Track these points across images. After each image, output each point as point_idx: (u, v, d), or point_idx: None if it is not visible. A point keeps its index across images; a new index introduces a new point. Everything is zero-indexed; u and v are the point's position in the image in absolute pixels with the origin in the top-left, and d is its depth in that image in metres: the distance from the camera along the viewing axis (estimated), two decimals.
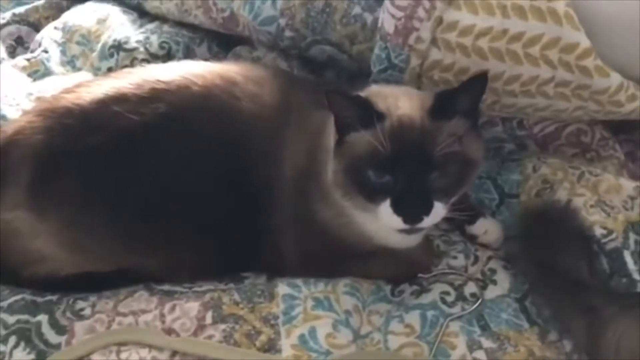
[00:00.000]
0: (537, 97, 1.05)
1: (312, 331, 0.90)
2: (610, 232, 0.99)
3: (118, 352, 0.88)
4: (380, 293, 1.00)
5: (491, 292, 0.97)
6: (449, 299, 0.96)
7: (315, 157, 0.99)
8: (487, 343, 0.90)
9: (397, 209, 0.87)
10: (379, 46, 1.08)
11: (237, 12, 1.32)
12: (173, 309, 0.94)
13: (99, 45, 1.46)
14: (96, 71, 1.43)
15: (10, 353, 0.89)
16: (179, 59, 1.38)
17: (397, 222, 0.88)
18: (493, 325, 0.93)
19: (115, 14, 1.53)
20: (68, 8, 1.63)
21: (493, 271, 1.01)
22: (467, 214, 0.98)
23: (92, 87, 1.03)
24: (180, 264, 1.00)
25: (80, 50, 1.50)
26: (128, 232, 0.98)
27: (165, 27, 1.45)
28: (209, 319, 0.92)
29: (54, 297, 0.96)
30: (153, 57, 1.39)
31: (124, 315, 0.93)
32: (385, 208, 0.88)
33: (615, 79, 1.01)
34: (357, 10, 1.20)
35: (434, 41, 1.04)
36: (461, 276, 1.00)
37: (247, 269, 1.03)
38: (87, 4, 1.61)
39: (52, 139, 0.98)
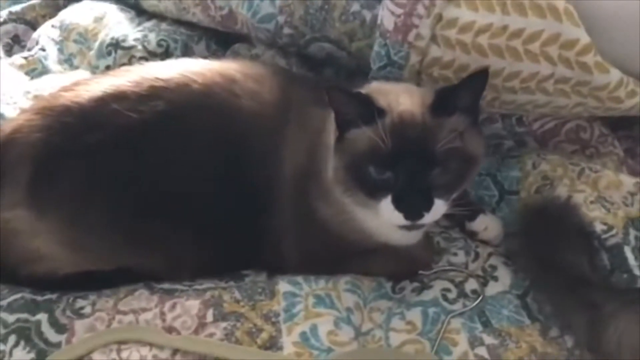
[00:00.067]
0: (536, 93, 1.05)
1: (314, 328, 0.90)
2: (610, 228, 0.99)
3: (119, 351, 0.88)
4: (381, 290, 1.00)
5: (492, 289, 0.98)
6: (450, 295, 0.96)
7: (315, 155, 0.99)
8: (488, 339, 0.90)
9: (398, 205, 0.87)
10: (378, 43, 1.08)
11: (236, 9, 1.32)
12: (173, 307, 0.93)
13: (97, 44, 1.46)
14: (94, 69, 1.43)
15: (10, 352, 0.88)
16: (177, 57, 1.38)
17: (398, 218, 0.88)
18: (494, 322, 0.93)
19: (113, 12, 1.53)
20: (65, 6, 1.62)
21: (494, 267, 1.01)
22: (467, 209, 0.98)
23: (90, 85, 1.03)
24: (180, 262, 1.00)
25: (77, 48, 1.50)
26: (128, 231, 0.98)
27: (163, 25, 1.45)
28: (209, 317, 0.92)
29: (54, 296, 0.95)
30: (151, 55, 1.38)
31: (124, 313, 0.93)
32: (386, 204, 0.88)
33: (615, 75, 1.01)
34: (356, 7, 1.20)
35: (433, 38, 1.04)
36: (462, 273, 1.00)
37: (248, 267, 1.02)
38: (84, 2, 1.60)
39: (51, 138, 0.97)
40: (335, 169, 0.93)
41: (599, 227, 0.99)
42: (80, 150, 0.97)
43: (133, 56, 1.39)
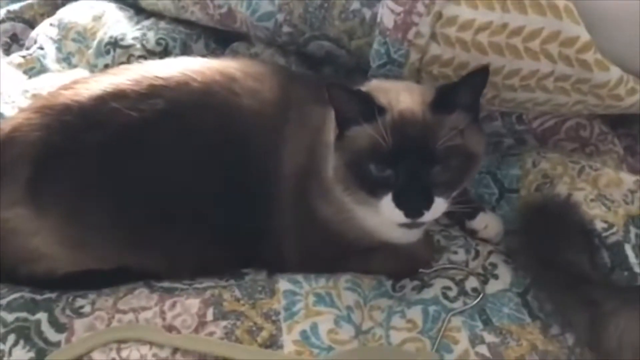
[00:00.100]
0: (536, 91, 1.05)
1: (314, 327, 0.90)
2: (611, 225, 0.99)
3: (118, 350, 0.87)
4: (382, 288, 1.00)
5: (492, 287, 0.97)
6: (451, 293, 0.96)
7: (315, 153, 0.99)
8: (489, 337, 0.90)
9: (398, 203, 0.87)
10: (378, 41, 1.08)
11: (235, 8, 1.31)
12: (173, 306, 0.93)
13: (95, 42, 1.45)
14: (92, 68, 1.42)
15: (10, 351, 0.88)
16: (176, 55, 1.38)
17: (399, 216, 0.87)
18: (495, 320, 0.92)
19: (111, 10, 1.52)
20: (63, 5, 1.62)
21: (494, 266, 1.01)
22: (468, 206, 0.98)
23: (90, 84, 1.03)
24: (180, 261, 1.00)
25: (76, 47, 1.49)
26: (127, 230, 0.98)
27: (162, 24, 1.45)
28: (209, 316, 0.91)
29: (53, 295, 0.95)
30: (150, 54, 1.38)
31: (124, 312, 0.93)
32: (386, 202, 0.87)
33: (615, 72, 1.01)
34: (355, 5, 1.20)
35: (433, 36, 1.03)
36: (462, 271, 1.00)
37: (248, 266, 1.02)
38: (83, 0, 1.60)
39: (50, 136, 0.97)
40: (336, 167, 0.93)
41: (599, 225, 0.99)
42: (80, 149, 0.97)
43: (132, 55, 1.38)
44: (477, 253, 1.03)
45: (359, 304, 0.95)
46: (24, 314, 0.92)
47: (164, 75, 1.01)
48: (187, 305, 0.93)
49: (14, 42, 1.58)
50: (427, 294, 0.96)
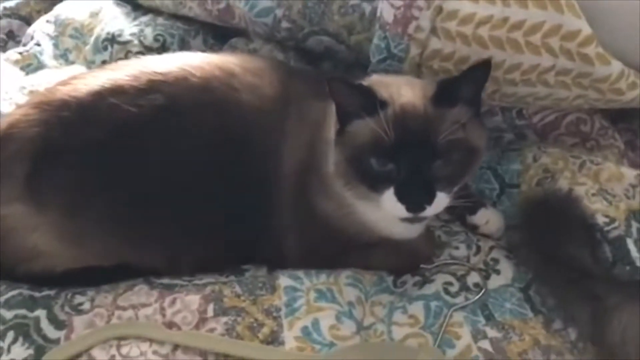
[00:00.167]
0: (537, 85, 1.05)
1: (315, 323, 0.89)
2: (612, 220, 0.98)
3: (118, 347, 0.87)
4: (383, 284, 0.99)
5: (494, 282, 0.97)
6: (452, 289, 0.96)
7: (315, 149, 0.98)
8: (492, 332, 0.90)
9: (400, 197, 0.86)
10: (378, 36, 1.08)
11: (233, 3, 1.31)
12: (173, 302, 0.92)
13: (92, 39, 1.45)
14: (90, 64, 1.42)
15: (9, 349, 0.87)
16: (174, 51, 1.37)
17: (401, 210, 0.87)
18: (497, 315, 0.92)
19: (108, 6, 1.52)
20: (60, 1, 1.61)
21: (496, 261, 1.00)
22: (469, 201, 0.97)
23: (87, 79, 1.02)
24: (180, 257, 0.99)
25: (73, 43, 1.49)
26: (127, 226, 0.97)
27: (160, 20, 1.44)
28: (210, 312, 0.91)
29: (52, 292, 0.94)
30: (147, 50, 1.37)
31: (124, 309, 0.92)
32: (388, 196, 0.87)
33: (616, 66, 1.01)
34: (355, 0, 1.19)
35: (433, 30, 1.03)
36: (464, 266, 1.00)
37: (248, 262, 1.02)
38: None
39: (49, 132, 0.96)
40: (336, 162, 0.92)
41: (601, 220, 0.98)
42: (79, 145, 0.96)
43: (129, 51, 1.38)
44: (479, 248, 1.03)
45: (360, 299, 0.95)
46: (22, 311, 0.91)
47: (162, 71, 1.00)
48: (188, 302, 0.92)
49: (11, 38, 1.58)
50: (429, 289, 0.96)
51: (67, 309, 0.92)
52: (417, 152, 0.85)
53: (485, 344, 0.88)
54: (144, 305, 0.92)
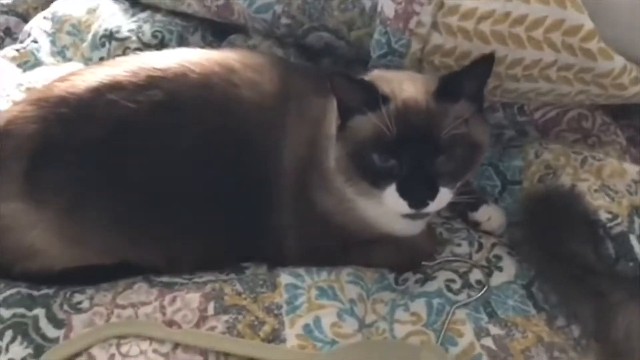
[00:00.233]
0: (539, 81, 1.04)
1: (317, 320, 0.89)
2: (615, 216, 0.97)
3: (118, 346, 0.86)
4: (384, 282, 0.98)
5: (497, 279, 0.96)
6: (455, 286, 0.95)
7: (316, 145, 0.98)
8: (494, 330, 0.89)
9: (402, 193, 0.85)
10: (378, 31, 1.07)
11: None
12: (173, 300, 0.92)
13: (90, 35, 1.44)
14: (87, 61, 1.41)
15: (7, 348, 0.86)
16: (173, 48, 1.35)
17: (403, 206, 0.86)
18: (500, 312, 0.91)
19: (106, 3, 1.50)
20: None
21: (498, 258, 1.00)
22: (471, 197, 0.97)
23: (86, 75, 1.01)
24: (180, 255, 0.98)
25: (70, 40, 1.47)
26: (126, 224, 0.96)
27: (158, 16, 1.43)
28: (210, 310, 0.90)
29: (51, 291, 0.94)
30: (146, 47, 1.36)
31: (123, 307, 0.91)
32: (390, 192, 0.86)
33: (619, 61, 1.00)
34: None
35: (435, 25, 1.02)
36: (466, 263, 0.99)
37: (248, 260, 1.01)
38: None
39: (47, 129, 0.95)
40: (338, 158, 0.92)
41: (603, 216, 0.97)
42: (77, 141, 0.95)
43: (127, 47, 1.36)
44: (481, 245, 1.03)
45: (362, 297, 0.94)
46: (21, 310, 0.90)
47: (161, 67, 0.99)
48: (188, 300, 0.91)
49: (7, 36, 1.56)
50: (431, 286, 0.95)
51: (66, 307, 0.91)
52: (420, 147, 0.85)
53: (488, 342, 0.88)
54: (144, 304, 0.91)
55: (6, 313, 0.89)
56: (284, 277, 0.94)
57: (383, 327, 0.90)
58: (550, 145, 1.12)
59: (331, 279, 0.95)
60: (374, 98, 0.86)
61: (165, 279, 0.96)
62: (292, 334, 0.87)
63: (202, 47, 1.34)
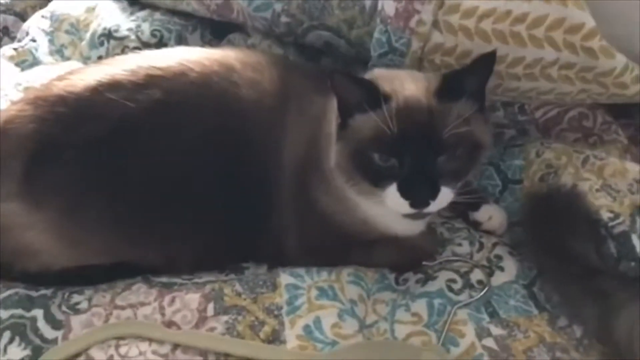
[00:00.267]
0: (540, 80, 1.04)
1: (317, 321, 0.88)
2: (617, 215, 0.97)
3: (117, 347, 0.85)
4: (385, 282, 0.98)
5: (498, 279, 0.96)
6: (456, 286, 0.95)
7: (315, 144, 0.97)
8: (496, 330, 0.89)
9: (404, 192, 0.85)
10: (379, 30, 1.06)
11: None
12: (173, 301, 0.91)
13: (89, 34, 1.43)
14: (86, 60, 1.39)
15: (5, 349, 0.86)
16: (171, 47, 1.35)
17: (404, 206, 0.86)
18: (502, 312, 0.91)
19: (105, 2, 1.49)
20: None
21: (499, 258, 0.99)
22: (472, 197, 0.96)
23: (84, 74, 1.00)
24: (179, 255, 0.98)
25: (69, 39, 1.46)
26: (125, 224, 0.96)
27: (157, 15, 1.42)
28: (210, 311, 0.90)
29: (49, 291, 0.93)
30: (145, 46, 1.35)
31: (122, 308, 0.91)
32: (391, 192, 0.86)
33: (621, 60, 1.00)
34: None
35: (435, 24, 1.02)
36: (467, 263, 0.98)
37: (248, 260, 1.01)
38: None
39: (45, 128, 0.95)
40: (338, 157, 0.91)
41: (605, 215, 0.97)
42: (75, 140, 0.94)
43: (126, 46, 1.36)
44: (482, 245, 1.02)
45: (363, 297, 0.93)
46: (19, 311, 0.90)
47: (161, 65, 0.98)
48: (187, 301, 0.91)
49: (5, 35, 1.55)
50: (432, 286, 0.95)
51: (64, 308, 0.91)
52: (421, 146, 0.84)
53: (490, 342, 0.87)
54: (143, 304, 0.91)
55: (4, 314, 0.89)
56: (284, 278, 0.94)
57: (384, 328, 0.90)
58: (552, 145, 1.11)
59: (331, 279, 0.94)
60: (375, 97, 0.85)
61: (164, 279, 0.95)
62: (292, 335, 0.87)
63: (201, 46, 1.34)
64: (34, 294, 0.93)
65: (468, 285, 0.95)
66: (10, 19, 1.57)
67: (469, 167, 0.89)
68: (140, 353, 0.85)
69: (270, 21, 1.26)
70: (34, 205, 0.93)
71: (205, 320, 0.88)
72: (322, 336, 0.86)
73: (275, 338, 0.87)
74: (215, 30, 1.41)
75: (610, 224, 0.96)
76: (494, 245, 1.02)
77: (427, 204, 0.86)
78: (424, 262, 1.00)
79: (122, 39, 1.37)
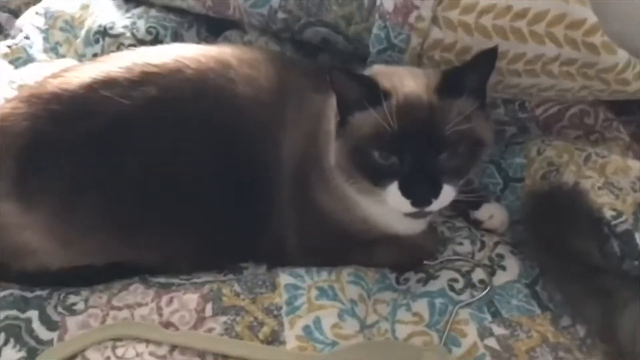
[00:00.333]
0: (541, 76, 1.02)
1: (317, 321, 0.87)
2: (620, 213, 0.95)
3: (114, 348, 0.84)
4: (386, 281, 0.97)
5: (500, 278, 0.95)
6: (457, 286, 0.94)
7: (315, 142, 0.96)
8: (498, 330, 0.87)
9: (405, 191, 0.84)
10: (377, 26, 1.05)
11: None
12: (170, 301, 0.90)
13: (83, 32, 1.41)
14: (81, 58, 1.39)
15: None
16: (167, 44, 1.33)
17: (405, 205, 0.84)
18: (504, 312, 0.90)
19: None
20: None
21: (501, 257, 0.98)
22: (473, 196, 0.94)
23: (79, 72, 0.99)
24: (177, 255, 0.97)
25: (63, 36, 1.45)
26: (121, 223, 0.94)
27: (152, 12, 1.40)
28: (208, 311, 0.88)
29: (44, 292, 0.92)
30: (140, 43, 1.34)
31: (119, 309, 0.90)
32: (392, 191, 0.84)
33: (623, 56, 0.98)
34: None
35: (435, 20, 1.01)
36: (468, 262, 0.97)
37: (247, 260, 1.00)
38: None
39: (38, 126, 0.93)
40: (337, 155, 0.90)
41: (608, 213, 0.95)
42: (70, 139, 0.93)
43: (121, 44, 1.35)
44: (483, 244, 1.01)
45: (363, 297, 0.92)
46: (14, 312, 0.89)
47: (156, 62, 0.97)
48: (185, 301, 0.90)
49: None
50: (433, 286, 0.94)
51: (60, 309, 0.90)
52: (422, 144, 0.83)
53: (492, 342, 0.86)
54: (140, 305, 0.90)
55: None
56: (284, 277, 0.93)
57: (385, 328, 0.89)
58: (553, 142, 1.10)
59: (331, 279, 0.93)
60: (375, 93, 0.84)
61: (162, 279, 0.94)
62: (291, 335, 0.86)
63: (197, 43, 1.33)
64: (29, 295, 0.91)
65: (470, 284, 0.94)
66: (4, 16, 1.56)
67: (471, 165, 0.88)
68: (138, 354, 0.84)
69: (267, 17, 1.24)
70: (28, 204, 0.92)
71: (204, 321, 0.87)
72: (322, 337, 0.85)
73: (274, 339, 0.85)
74: (212, 27, 1.40)
75: (613, 222, 0.95)
76: (496, 244, 1.01)
77: (429, 203, 0.84)
78: (425, 262, 0.99)
79: (117, 36, 1.35)
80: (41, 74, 1.15)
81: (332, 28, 1.20)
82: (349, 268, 0.95)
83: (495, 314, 0.90)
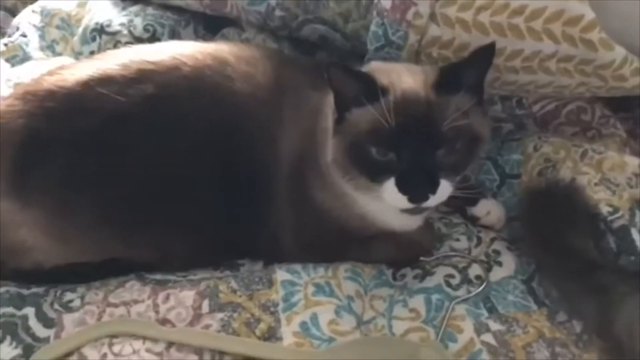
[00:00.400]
0: (539, 73, 1.02)
1: (314, 318, 0.87)
2: (616, 209, 0.96)
3: (110, 345, 0.84)
4: (382, 277, 0.97)
5: (496, 274, 0.95)
6: (454, 281, 0.93)
7: (312, 139, 0.96)
8: (495, 326, 0.87)
9: (402, 187, 0.83)
10: (375, 23, 1.05)
11: None
12: (167, 298, 0.90)
13: (80, 29, 1.41)
14: (77, 56, 1.38)
15: None
16: (165, 42, 1.33)
17: (402, 201, 0.84)
18: (500, 308, 0.90)
19: None
20: None
21: (497, 253, 0.98)
22: (470, 192, 0.94)
23: (75, 69, 0.99)
24: (173, 252, 0.96)
25: (60, 34, 1.45)
26: (117, 220, 0.95)
27: (150, 10, 1.40)
28: (205, 308, 0.88)
29: (41, 289, 0.92)
30: (137, 41, 1.34)
31: (115, 306, 0.89)
32: (389, 187, 0.84)
33: (620, 52, 0.98)
34: None
35: (432, 16, 1.01)
36: (465, 258, 0.97)
37: (244, 256, 0.99)
38: None
39: (34, 124, 0.93)
40: (335, 151, 0.90)
41: (604, 209, 0.96)
42: (65, 136, 0.93)
43: (118, 42, 1.34)
44: (480, 240, 1.01)
45: (360, 293, 0.92)
46: (10, 309, 0.88)
47: (153, 60, 0.97)
48: (182, 298, 0.89)
49: None
50: (430, 282, 0.94)
51: (56, 306, 0.89)
52: (419, 140, 0.83)
53: (489, 338, 0.86)
54: (137, 302, 0.90)
55: None
56: (280, 274, 0.93)
57: (382, 324, 0.89)
58: (550, 139, 1.10)
59: (328, 275, 0.93)
60: (372, 90, 0.84)
61: (158, 276, 0.94)
62: (288, 332, 0.85)
63: (194, 40, 1.32)
64: (25, 292, 0.91)
65: (466, 280, 0.94)
66: (0, 14, 1.55)
67: (468, 161, 0.88)
68: (134, 351, 0.83)
69: (265, 15, 1.24)
70: (24, 202, 0.92)
71: (200, 318, 0.87)
72: (319, 333, 0.85)
73: (271, 335, 0.85)
74: (209, 25, 1.40)
75: (610, 218, 0.95)
76: (492, 240, 1.01)
77: (426, 198, 0.84)
78: (421, 258, 0.99)
79: (114, 34, 1.35)
80: (38, 72, 1.15)
81: (330, 25, 1.20)
82: (346, 264, 0.95)
83: (492, 310, 0.90)
